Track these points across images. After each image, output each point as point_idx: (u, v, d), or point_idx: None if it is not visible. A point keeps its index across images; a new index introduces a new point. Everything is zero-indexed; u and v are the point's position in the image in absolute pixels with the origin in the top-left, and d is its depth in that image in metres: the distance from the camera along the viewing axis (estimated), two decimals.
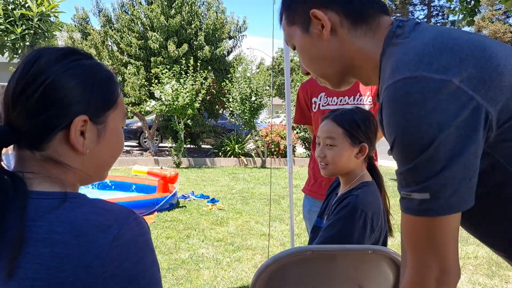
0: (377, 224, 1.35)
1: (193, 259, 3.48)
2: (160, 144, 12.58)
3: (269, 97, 10.20)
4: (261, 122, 11.28)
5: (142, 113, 10.67)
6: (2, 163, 0.66)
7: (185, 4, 10.96)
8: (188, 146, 11.67)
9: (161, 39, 10.56)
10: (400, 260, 1.28)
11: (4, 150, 0.67)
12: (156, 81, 9.59)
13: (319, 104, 2.15)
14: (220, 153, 10.67)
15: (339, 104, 2.12)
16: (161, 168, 5.89)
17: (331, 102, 2.14)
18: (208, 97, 11.19)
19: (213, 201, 5.73)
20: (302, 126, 10.34)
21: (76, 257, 0.60)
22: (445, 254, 0.69)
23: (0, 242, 0.61)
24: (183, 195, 5.95)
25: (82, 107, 0.68)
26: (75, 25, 11.36)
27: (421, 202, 0.68)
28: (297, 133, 10.50)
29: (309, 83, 2.23)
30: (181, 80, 9.42)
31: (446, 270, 0.69)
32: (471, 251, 3.88)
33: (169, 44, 10.46)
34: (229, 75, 10.77)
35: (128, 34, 10.95)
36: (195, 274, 3.17)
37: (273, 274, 1.19)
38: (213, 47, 11.23)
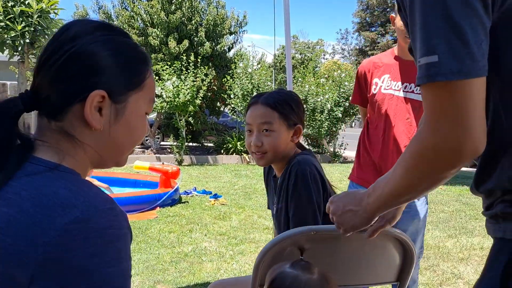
0: (325, 179, 1.31)
1: (196, 253, 3.45)
2: (162, 143, 12.57)
3: None
4: None
5: None
6: (19, 127, 0.65)
7: None
8: (190, 144, 11.65)
9: (162, 36, 10.53)
10: (405, 240, 1.25)
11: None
12: (157, 78, 9.57)
13: (381, 86, 1.97)
14: (222, 151, 10.64)
15: (403, 91, 1.93)
16: (163, 163, 5.87)
17: (395, 87, 1.95)
18: (209, 94, 11.16)
19: (215, 196, 5.69)
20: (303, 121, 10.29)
21: (24, 226, 0.55)
22: (466, 124, 0.64)
23: None
24: (185, 191, 5.92)
25: (103, 81, 0.66)
26: None
27: (429, 66, 0.64)
28: None
29: (372, 63, 2.06)
30: (182, 77, 9.39)
31: (466, 142, 0.64)
32: (477, 242, 3.84)
33: (169, 41, 10.43)
34: (230, 71, 10.73)
35: (128, 31, 10.92)
36: (198, 266, 3.14)
37: (276, 255, 1.16)
38: (213, 43, 11.20)
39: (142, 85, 0.71)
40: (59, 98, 0.65)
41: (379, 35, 34.64)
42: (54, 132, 0.66)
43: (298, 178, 1.28)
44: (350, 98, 9.00)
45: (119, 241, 0.59)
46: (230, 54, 12.04)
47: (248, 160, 10.25)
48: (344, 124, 10.87)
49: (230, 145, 10.54)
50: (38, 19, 6.93)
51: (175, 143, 10.32)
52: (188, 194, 5.83)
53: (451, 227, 4.27)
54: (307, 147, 1.54)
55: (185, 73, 9.53)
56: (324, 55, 38.19)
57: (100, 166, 0.73)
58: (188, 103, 9.16)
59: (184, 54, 10.20)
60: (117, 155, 0.73)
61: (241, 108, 9.96)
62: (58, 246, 0.54)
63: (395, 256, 1.28)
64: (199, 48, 10.85)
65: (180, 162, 9.44)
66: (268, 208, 1.64)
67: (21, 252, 0.54)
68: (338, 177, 7.74)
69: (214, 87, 11.30)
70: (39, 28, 7.03)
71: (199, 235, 3.95)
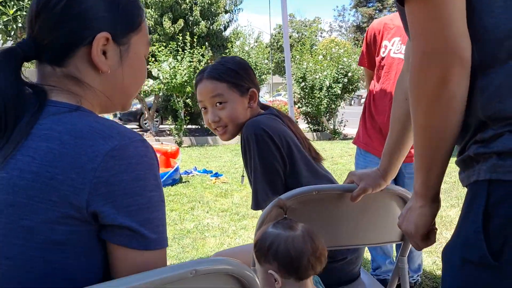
0: (280, 137, 1.25)
1: (199, 229, 3.46)
2: (161, 126, 12.53)
3: (268, 72, 10.06)
4: (262, 97, 11.15)
5: (141, 94, 10.57)
6: (23, 76, 0.65)
7: None
8: (189, 126, 11.60)
9: (156, 16, 10.38)
10: (409, 198, 1.23)
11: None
12: (153, 59, 9.46)
13: (390, 49, 1.88)
14: None
15: None
16: (162, 143, 5.84)
17: (404, 50, 1.89)
18: None
19: (216, 175, 5.69)
20: (303, 100, 10.22)
21: (70, 156, 0.58)
22: (445, 33, 0.66)
23: (7, 138, 0.60)
24: (185, 171, 5.91)
25: (105, 24, 0.67)
26: None
27: None
28: (298, 107, 10.40)
29: (382, 24, 1.95)
30: (178, 57, 9.28)
31: (446, 48, 0.66)
32: None
33: (164, 21, 10.28)
34: (226, 51, 10.60)
35: None
36: (201, 242, 3.15)
37: (278, 218, 1.13)
38: (209, 22, 11.04)
39: (140, 27, 0.74)
40: (63, 43, 0.66)
41: (377, 11, 34.14)
42: (61, 78, 0.67)
43: (245, 143, 1.25)
44: (349, 74, 8.87)
45: (154, 169, 0.63)
46: (226, 33, 11.87)
47: None
48: (343, 102, 10.80)
49: None
50: (29, 2, 6.79)
51: (173, 126, 10.28)
52: (188, 174, 5.82)
53: (453, 197, 4.28)
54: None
55: (181, 54, 9.41)
56: (322, 33, 37.73)
57: (107, 110, 0.75)
58: (186, 84, 9.08)
59: (179, 34, 10.05)
60: (123, 98, 0.76)
61: None
62: (105, 171, 0.58)
63: (399, 214, 1.26)
64: (195, 27, 10.70)
65: (179, 144, 9.41)
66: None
67: (73, 180, 0.57)
68: (339, 153, 7.73)
69: None
70: None
71: (201, 212, 3.95)
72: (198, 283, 0.61)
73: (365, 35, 2.05)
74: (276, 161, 1.24)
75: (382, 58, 1.90)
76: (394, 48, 1.87)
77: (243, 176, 1.52)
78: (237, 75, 1.33)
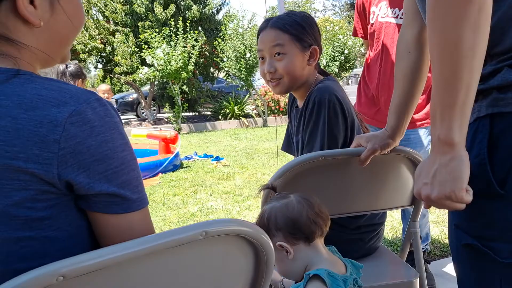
0: (347, 110, 1.23)
1: (203, 212, 3.44)
2: (158, 115, 12.45)
3: None
4: (258, 79, 11.05)
5: (137, 83, 10.46)
6: None
7: None
8: (187, 114, 11.53)
9: (147, 2, 10.20)
10: (418, 159, 1.19)
11: None
12: (147, 46, 9.33)
13: (378, 14, 1.84)
14: (220, 117, 10.55)
15: (401, 17, 1.76)
16: (160, 129, 5.79)
17: (392, 14, 1.80)
18: (201, 60, 10.93)
19: (217, 159, 5.66)
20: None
21: (27, 131, 0.53)
22: None
23: None
24: (186, 157, 5.88)
25: None
26: None
27: None
28: None
29: None
30: (172, 43, 9.15)
31: None
32: None
33: (155, 6, 10.11)
34: (220, 34, 10.46)
35: (112, 0, 10.57)
36: None
37: (285, 184, 1.10)
38: (201, 6, 10.86)
39: None
40: None
41: None
42: None
43: (315, 106, 1.21)
44: (346, 51, 8.75)
45: (119, 127, 0.59)
46: (219, 16, 11.70)
47: (247, 124, 10.18)
48: (341, 80, 10.71)
49: (228, 110, 10.43)
50: None
51: (171, 113, 10.21)
52: (189, 159, 5.79)
53: None
54: None
55: (175, 39, 9.28)
56: (315, 13, 37.27)
57: (48, 65, 0.68)
58: (181, 69, 8.97)
59: (171, 20, 9.89)
60: (62, 50, 0.68)
61: (235, 70, 9.77)
62: (69, 140, 0.54)
63: (409, 178, 1.23)
64: (187, 12, 10.53)
65: (178, 131, 9.36)
66: (282, 149, 1.57)
67: (38, 156, 0.53)
68: None
69: (205, 52, 11.05)
70: None
71: (204, 196, 3.94)
72: (209, 245, 0.58)
73: (355, 6, 2.03)
74: (338, 133, 1.22)
75: (372, 25, 1.88)
76: (381, 12, 1.84)
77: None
78: (301, 29, 1.29)
